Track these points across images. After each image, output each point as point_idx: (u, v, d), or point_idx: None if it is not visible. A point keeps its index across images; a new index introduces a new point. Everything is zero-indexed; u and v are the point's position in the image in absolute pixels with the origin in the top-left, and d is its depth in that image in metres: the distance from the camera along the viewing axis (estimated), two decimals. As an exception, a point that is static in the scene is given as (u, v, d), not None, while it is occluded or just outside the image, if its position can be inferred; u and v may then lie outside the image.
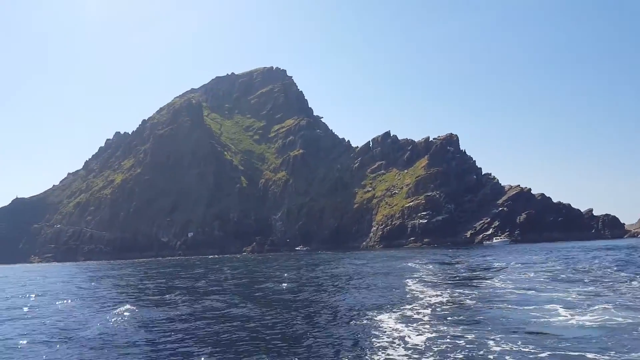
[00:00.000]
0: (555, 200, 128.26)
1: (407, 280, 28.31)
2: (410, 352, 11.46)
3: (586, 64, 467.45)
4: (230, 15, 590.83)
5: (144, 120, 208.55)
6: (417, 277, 29.83)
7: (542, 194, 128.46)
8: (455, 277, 30.24)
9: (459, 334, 12.93)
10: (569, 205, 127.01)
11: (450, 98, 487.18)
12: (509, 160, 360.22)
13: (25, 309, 22.22)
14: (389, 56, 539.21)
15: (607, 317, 14.32)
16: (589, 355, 10.51)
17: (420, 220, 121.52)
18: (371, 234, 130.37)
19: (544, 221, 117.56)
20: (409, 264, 43.33)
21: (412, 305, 17.99)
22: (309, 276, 36.30)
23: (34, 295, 28.97)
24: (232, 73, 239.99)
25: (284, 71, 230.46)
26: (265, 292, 26.51)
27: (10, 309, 22.59)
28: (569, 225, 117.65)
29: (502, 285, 23.87)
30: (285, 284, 29.12)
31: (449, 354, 11.08)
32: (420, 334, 13.12)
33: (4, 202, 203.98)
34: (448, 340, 12.35)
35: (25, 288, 36.79)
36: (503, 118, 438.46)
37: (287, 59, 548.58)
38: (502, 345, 11.57)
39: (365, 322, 15.29)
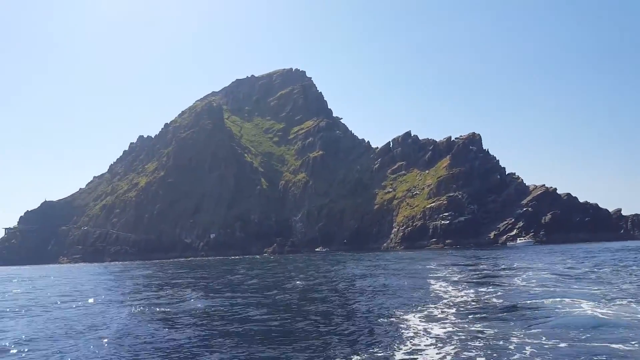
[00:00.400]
0: (581, 200, 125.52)
1: (431, 280, 28.39)
2: (434, 342, 11.80)
3: (612, 60, 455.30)
4: (250, 17, 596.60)
5: (166, 123, 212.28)
6: (440, 277, 29.86)
7: (568, 194, 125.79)
8: (478, 276, 30.15)
9: (482, 328, 13.18)
10: (597, 205, 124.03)
11: (472, 97, 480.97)
12: (534, 159, 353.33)
13: (61, 305, 23.17)
14: (408, 55, 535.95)
15: (628, 311, 14.27)
16: (613, 346, 10.70)
17: (442, 221, 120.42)
18: (392, 235, 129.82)
19: (570, 221, 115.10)
20: (431, 265, 43.23)
21: (436, 305, 18.16)
22: (331, 276, 36.62)
23: (70, 294, 30.04)
24: (252, 75, 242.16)
25: (304, 72, 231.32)
26: (288, 291, 26.92)
27: (44, 305, 23.59)
28: (596, 226, 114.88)
29: (525, 284, 23.81)
30: (307, 283, 29.48)
31: (471, 344, 11.34)
32: (445, 329, 13.44)
33: (34, 205, 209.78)
34: (471, 333, 12.65)
35: (63, 287, 38.13)
36: (527, 116, 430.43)
37: (306, 60, 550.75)
38: (523, 338, 11.80)
39: (392, 320, 15.57)
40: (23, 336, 14.87)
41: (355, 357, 11.07)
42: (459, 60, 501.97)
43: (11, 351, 12.98)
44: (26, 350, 13.01)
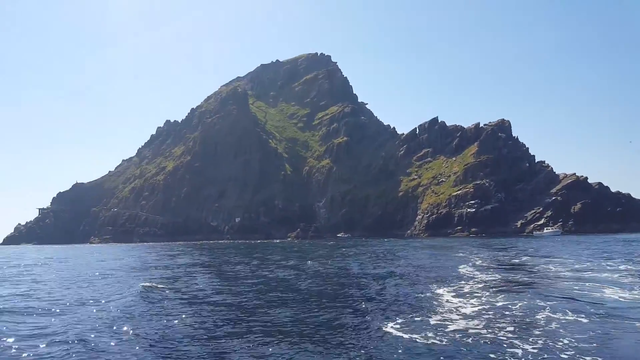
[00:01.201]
0: (613, 190, 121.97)
1: (458, 265, 28.51)
2: (465, 312, 12.42)
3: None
4: (276, 1, 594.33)
5: (193, 108, 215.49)
6: (467, 262, 30.00)
7: (600, 183, 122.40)
8: (504, 262, 30.09)
9: (510, 305, 13.68)
10: (629, 195, 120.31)
11: (502, 82, 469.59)
12: (565, 148, 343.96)
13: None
14: (437, 40, 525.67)
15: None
16: (631, 323, 11.19)
17: (468, 209, 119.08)
18: (416, 223, 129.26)
19: (600, 211, 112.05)
20: (458, 252, 43.10)
21: (467, 282, 18.86)
22: (358, 259, 37.00)
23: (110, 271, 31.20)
24: (277, 60, 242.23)
25: (329, 57, 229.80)
26: (324, 270, 27.33)
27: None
28: (628, 216, 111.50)
29: (551, 268, 23.91)
30: (338, 264, 29.91)
31: (500, 318, 11.88)
32: (474, 303, 14.12)
33: (65, 187, 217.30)
34: (500, 308, 13.25)
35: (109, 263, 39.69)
36: (559, 104, 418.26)
37: (332, 44, 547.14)
38: (549, 313, 12.27)
39: (427, 294, 16.28)
40: (39, 306, 15.55)
41: (399, 319, 12.03)
42: (490, 44, 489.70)
43: (25, 321, 13.39)
44: (35, 322, 13.34)
